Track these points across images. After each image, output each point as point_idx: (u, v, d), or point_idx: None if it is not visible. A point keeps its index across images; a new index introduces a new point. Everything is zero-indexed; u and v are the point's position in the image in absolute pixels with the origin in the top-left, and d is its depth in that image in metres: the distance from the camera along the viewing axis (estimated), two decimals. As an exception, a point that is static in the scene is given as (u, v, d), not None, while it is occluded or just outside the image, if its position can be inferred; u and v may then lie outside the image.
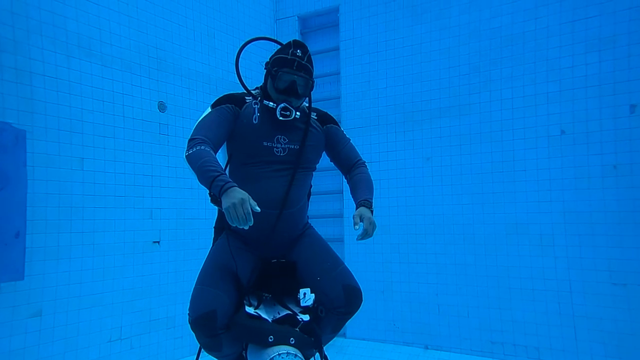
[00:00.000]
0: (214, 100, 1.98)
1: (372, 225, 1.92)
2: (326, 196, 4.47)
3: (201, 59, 3.93)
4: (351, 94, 4.35)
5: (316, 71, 4.62)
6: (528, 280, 3.49)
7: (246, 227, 1.59)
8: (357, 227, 1.88)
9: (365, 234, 1.92)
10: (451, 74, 3.88)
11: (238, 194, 1.59)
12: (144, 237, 3.36)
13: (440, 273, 3.86)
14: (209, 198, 1.85)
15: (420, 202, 3.97)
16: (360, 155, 2.25)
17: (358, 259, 4.15)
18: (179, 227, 3.62)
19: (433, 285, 3.88)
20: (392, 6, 4.17)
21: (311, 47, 4.63)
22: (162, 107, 3.57)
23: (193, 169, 1.73)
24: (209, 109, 1.95)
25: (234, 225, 1.59)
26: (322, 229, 4.62)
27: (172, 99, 3.65)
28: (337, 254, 2.15)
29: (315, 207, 4.55)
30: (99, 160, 3.09)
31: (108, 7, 3.21)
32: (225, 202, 1.59)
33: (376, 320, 4.09)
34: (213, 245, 2.07)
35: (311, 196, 2.20)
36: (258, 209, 1.61)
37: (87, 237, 2.99)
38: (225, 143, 1.99)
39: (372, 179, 2.16)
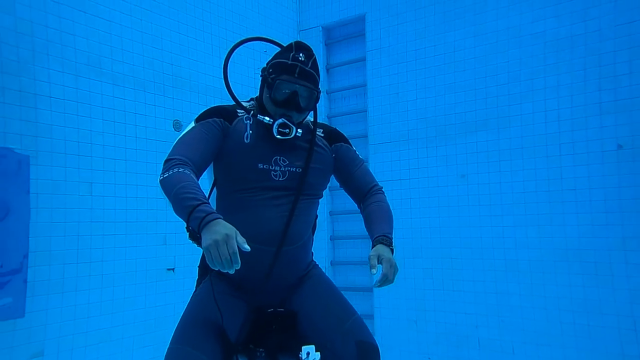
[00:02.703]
0: (199, 113, 1.67)
1: (393, 267, 1.59)
2: (353, 216, 4.18)
3: (220, 75, 3.71)
4: (379, 107, 4.07)
5: (341, 83, 4.46)
6: (582, 314, 3.09)
7: (231, 272, 1.28)
8: (374, 270, 1.55)
9: (385, 280, 1.59)
10: (488, 83, 3.54)
11: (222, 229, 1.27)
12: (158, 264, 3.15)
13: (479, 303, 3.49)
14: (187, 233, 1.53)
15: (456, 224, 3.63)
16: (377, 180, 1.90)
17: (388, 285, 3.82)
18: (196, 253, 3.34)
19: (472, 316, 3.51)
20: (421, 13, 3.88)
21: (336, 58, 4.50)
22: (177, 125, 3.38)
23: (168, 197, 1.41)
24: (193, 124, 1.63)
25: (217, 269, 1.27)
26: (349, 251, 4.38)
27: (188, 117, 3.45)
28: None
29: (342, 228, 4.29)
30: (109, 185, 2.91)
31: (120, 23, 3.05)
32: (206, 238, 1.26)
33: (409, 353, 3.75)
34: (195, 290, 1.74)
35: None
36: (247, 247, 1.28)
37: (95, 268, 2.80)
38: (212, 165, 1.68)
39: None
